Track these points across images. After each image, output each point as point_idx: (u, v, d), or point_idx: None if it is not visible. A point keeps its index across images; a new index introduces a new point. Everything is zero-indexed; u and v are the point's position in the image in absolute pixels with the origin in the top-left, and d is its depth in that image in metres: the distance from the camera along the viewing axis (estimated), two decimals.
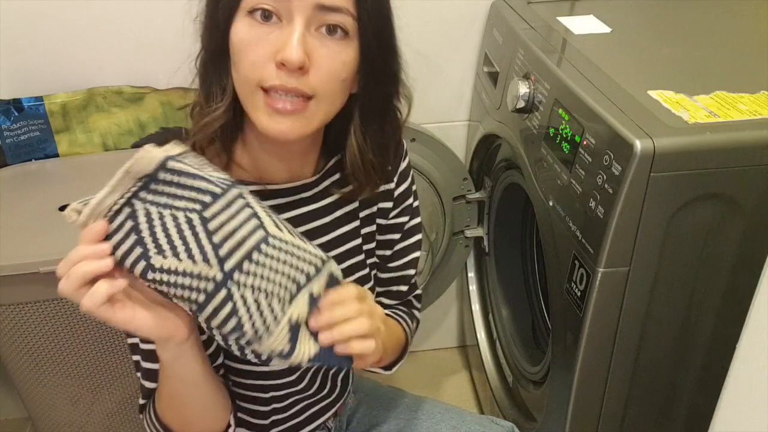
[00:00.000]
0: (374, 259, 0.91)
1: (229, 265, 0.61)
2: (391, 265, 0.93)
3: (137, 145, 1.42)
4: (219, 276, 0.60)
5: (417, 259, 0.95)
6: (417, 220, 0.93)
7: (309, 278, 0.65)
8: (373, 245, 0.89)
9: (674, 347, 0.99)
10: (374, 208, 0.88)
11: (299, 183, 0.80)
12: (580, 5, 1.33)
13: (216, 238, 0.60)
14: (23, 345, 1.23)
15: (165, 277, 0.59)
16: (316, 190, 0.82)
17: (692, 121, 0.87)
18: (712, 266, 0.92)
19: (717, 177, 0.86)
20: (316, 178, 0.82)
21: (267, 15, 0.66)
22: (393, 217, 0.89)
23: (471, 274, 1.64)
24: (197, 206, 0.60)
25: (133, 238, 0.59)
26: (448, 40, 1.46)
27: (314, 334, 0.65)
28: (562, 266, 0.99)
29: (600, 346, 0.97)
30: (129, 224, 0.59)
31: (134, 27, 1.34)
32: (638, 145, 0.82)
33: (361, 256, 0.87)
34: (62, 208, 1.25)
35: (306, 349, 0.64)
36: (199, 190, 0.61)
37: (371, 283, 0.90)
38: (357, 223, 0.86)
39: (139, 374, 0.78)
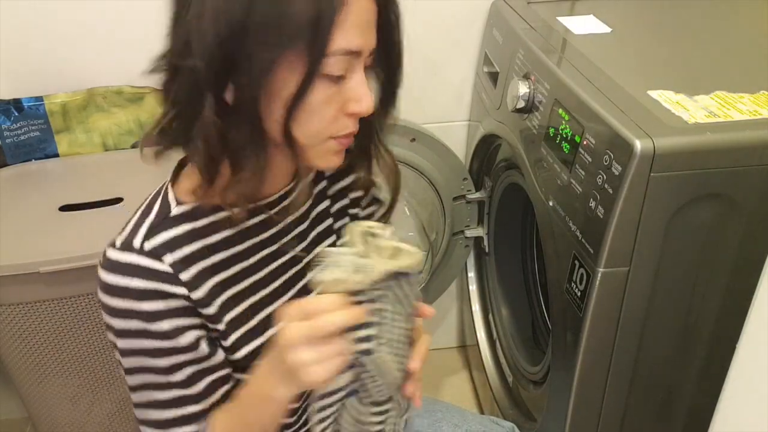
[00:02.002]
0: None
1: None
2: None
3: (137, 146, 1.42)
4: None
5: None
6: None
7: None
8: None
9: (674, 347, 0.99)
10: (346, 200, 0.88)
11: (281, 192, 0.79)
12: (580, 5, 1.33)
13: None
14: (23, 345, 1.23)
15: (371, 362, 0.64)
16: (294, 196, 0.81)
17: (692, 121, 0.87)
18: (712, 266, 0.92)
19: (717, 177, 0.86)
20: (294, 183, 0.80)
21: (341, 75, 0.66)
22: (366, 207, 0.90)
23: (471, 274, 1.64)
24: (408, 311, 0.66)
25: (369, 317, 0.62)
26: (448, 40, 1.46)
27: None
28: (562, 266, 0.99)
29: (600, 346, 0.96)
30: (368, 306, 0.63)
31: (134, 27, 1.34)
32: (638, 145, 0.82)
33: (332, 238, 0.88)
34: (62, 209, 1.25)
35: None
36: (409, 300, 0.65)
37: None
38: (330, 220, 0.86)
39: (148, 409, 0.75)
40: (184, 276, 0.70)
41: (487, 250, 1.55)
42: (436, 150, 1.45)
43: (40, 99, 1.34)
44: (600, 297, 0.92)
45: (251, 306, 0.77)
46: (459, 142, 1.56)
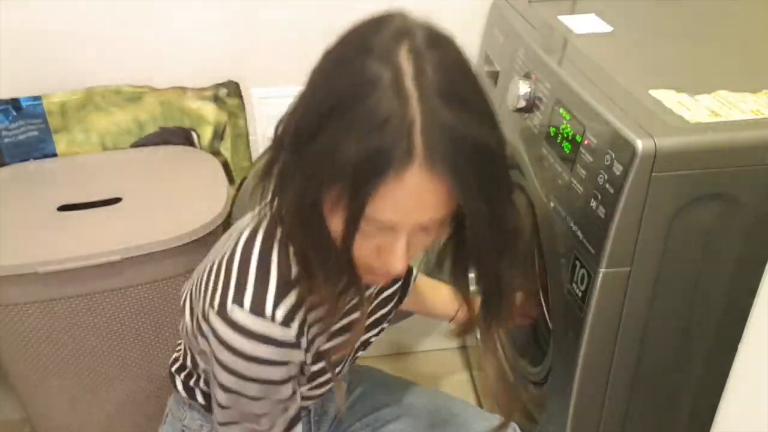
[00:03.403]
0: None
1: None
2: None
3: (136, 145, 1.41)
4: None
5: None
6: None
7: None
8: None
9: (676, 348, 0.98)
10: None
11: None
12: (581, 4, 1.33)
13: None
14: (21, 346, 1.22)
15: None
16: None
17: (694, 121, 0.87)
18: (714, 266, 0.92)
19: (719, 177, 0.86)
20: None
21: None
22: None
23: (471, 275, 1.63)
24: None
25: None
26: None
27: None
28: (562, 266, 0.99)
29: (601, 346, 0.96)
30: None
31: (133, 26, 1.34)
32: (640, 144, 0.82)
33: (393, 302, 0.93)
34: (61, 208, 1.24)
35: None
36: None
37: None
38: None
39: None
40: (303, 341, 0.74)
41: None
42: None
43: (38, 98, 1.33)
44: (601, 297, 0.91)
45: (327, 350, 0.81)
46: None
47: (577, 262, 0.94)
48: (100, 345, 1.26)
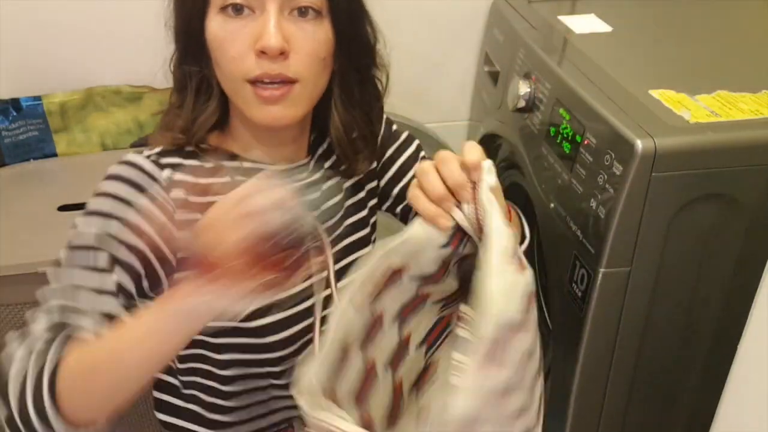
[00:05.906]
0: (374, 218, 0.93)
1: None
2: None
3: (136, 145, 1.41)
4: None
5: None
6: (412, 148, 0.93)
7: None
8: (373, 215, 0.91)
9: (676, 347, 0.98)
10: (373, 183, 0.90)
11: (294, 165, 0.81)
12: (581, 4, 1.33)
13: None
14: None
15: None
16: (309, 171, 0.83)
17: (693, 121, 0.87)
18: (714, 266, 0.92)
19: (718, 177, 0.86)
20: (309, 160, 0.83)
21: (238, 8, 0.68)
22: (391, 177, 0.91)
23: None
24: None
25: None
26: (449, 40, 1.45)
27: None
28: (562, 266, 0.99)
29: (601, 346, 0.96)
30: None
31: (133, 26, 1.34)
32: (639, 144, 0.82)
33: (367, 230, 0.89)
34: (61, 208, 1.24)
35: None
36: None
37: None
38: (364, 212, 0.87)
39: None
40: (174, 194, 0.72)
41: None
42: (437, 150, 1.45)
43: (38, 98, 1.33)
44: (601, 297, 0.91)
45: None
46: (460, 142, 1.55)
47: (577, 262, 0.94)
48: None
